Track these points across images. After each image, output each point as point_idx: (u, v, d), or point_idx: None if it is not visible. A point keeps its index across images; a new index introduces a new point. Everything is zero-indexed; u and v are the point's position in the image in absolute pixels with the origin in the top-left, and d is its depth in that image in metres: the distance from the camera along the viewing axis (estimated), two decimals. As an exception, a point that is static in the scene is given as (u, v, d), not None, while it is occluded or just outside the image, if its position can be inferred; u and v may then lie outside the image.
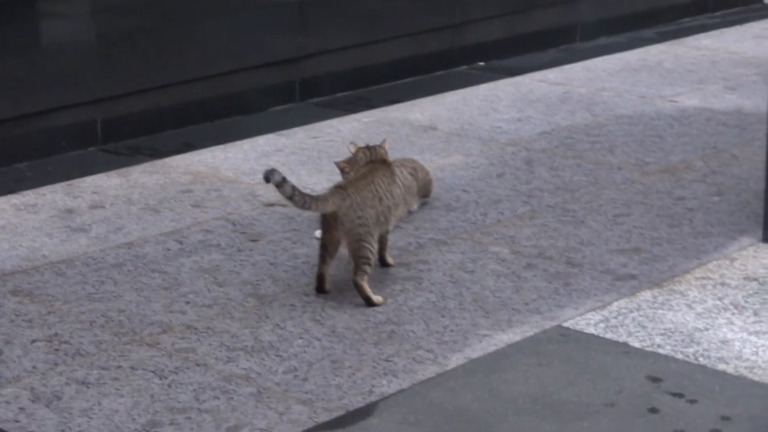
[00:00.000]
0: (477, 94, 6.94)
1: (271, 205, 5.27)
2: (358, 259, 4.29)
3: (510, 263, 4.62)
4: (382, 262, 4.59)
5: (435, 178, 5.30)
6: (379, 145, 4.75)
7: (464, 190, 5.39)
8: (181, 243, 4.87)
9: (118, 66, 6.16)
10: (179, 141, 6.18)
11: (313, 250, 4.73)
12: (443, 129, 6.29)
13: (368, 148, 4.73)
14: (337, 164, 4.88)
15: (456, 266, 4.60)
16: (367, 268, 4.29)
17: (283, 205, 5.24)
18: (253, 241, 4.88)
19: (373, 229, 4.31)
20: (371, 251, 4.30)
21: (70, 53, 6.02)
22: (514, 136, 6.16)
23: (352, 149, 4.82)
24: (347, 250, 4.31)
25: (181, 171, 5.72)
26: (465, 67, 7.55)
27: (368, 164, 4.57)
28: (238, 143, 6.12)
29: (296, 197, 4.18)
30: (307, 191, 4.37)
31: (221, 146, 6.07)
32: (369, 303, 4.29)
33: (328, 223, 4.31)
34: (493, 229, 4.96)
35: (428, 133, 6.22)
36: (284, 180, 4.16)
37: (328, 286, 4.38)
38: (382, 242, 4.54)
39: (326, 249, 4.35)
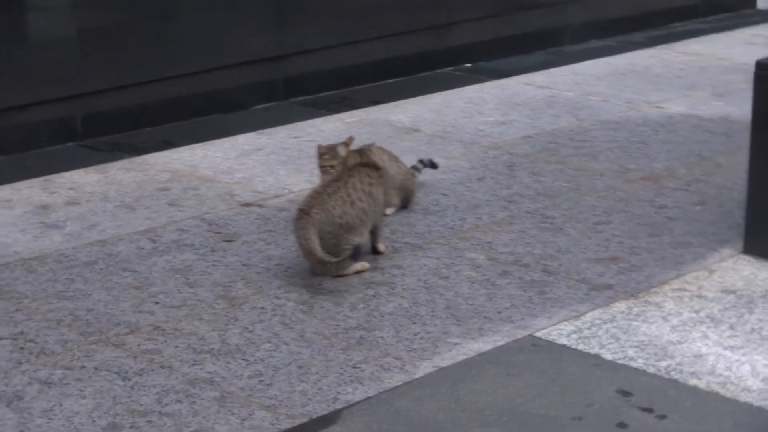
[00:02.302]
0: (461, 96, 6.90)
1: (248, 205, 5.22)
2: (337, 256, 4.44)
3: (485, 270, 4.57)
4: (374, 250, 4.65)
5: (415, 181, 5.26)
6: (369, 148, 4.68)
7: (444, 194, 5.34)
8: (154, 242, 4.81)
9: (98, 62, 6.10)
10: (159, 138, 6.13)
11: (288, 251, 4.69)
12: (426, 131, 6.24)
13: (359, 151, 4.66)
14: (319, 148, 4.89)
15: (431, 272, 4.54)
16: (345, 261, 4.44)
17: (260, 205, 5.21)
18: (227, 241, 4.82)
19: (347, 233, 4.41)
20: (349, 249, 4.44)
21: (49, 48, 5.96)
22: (497, 139, 6.11)
23: (343, 152, 4.78)
24: None
25: (159, 168, 5.66)
26: (451, 68, 7.50)
27: (346, 170, 4.55)
28: (218, 141, 6.07)
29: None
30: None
31: (201, 144, 6.02)
32: (357, 273, 4.47)
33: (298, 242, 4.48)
34: (471, 234, 4.91)
35: (410, 135, 6.17)
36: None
37: None
38: (375, 232, 4.61)
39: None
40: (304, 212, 4.39)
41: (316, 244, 4.34)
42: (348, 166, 4.61)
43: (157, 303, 4.28)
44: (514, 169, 5.67)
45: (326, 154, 4.86)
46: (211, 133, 6.19)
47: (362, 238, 4.50)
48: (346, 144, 4.89)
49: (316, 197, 4.42)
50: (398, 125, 6.33)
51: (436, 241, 4.84)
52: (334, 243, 4.40)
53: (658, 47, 8.03)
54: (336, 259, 4.36)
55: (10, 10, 5.87)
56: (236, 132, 6.21)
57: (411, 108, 6.64)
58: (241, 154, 5.89)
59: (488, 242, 4.82)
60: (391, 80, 7.22)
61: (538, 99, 6.82)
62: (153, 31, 6.32)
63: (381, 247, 4.68)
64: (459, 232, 4.93)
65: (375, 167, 4.61)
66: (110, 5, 6.19)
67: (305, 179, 5.48)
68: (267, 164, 5.74)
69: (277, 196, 5.31)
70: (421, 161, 5.35)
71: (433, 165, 5.39)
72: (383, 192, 4.60)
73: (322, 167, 4.87)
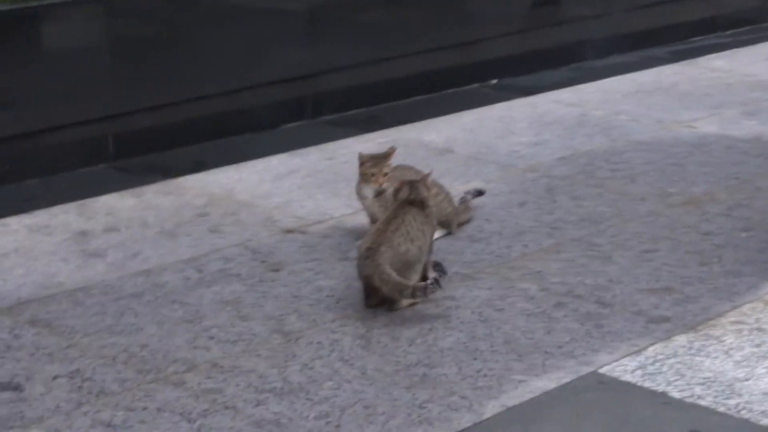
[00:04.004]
0: (492, 114, 6.85)
1: (291, 231, 5.16)
2: (396, 296, 4.39)
3: (539, 301, 4.52)
4: (423, 278, 4.58)
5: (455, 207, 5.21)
6: (422, 182, 4.61)
7: (486, 220, 5.30)
8: (200, 272, 4.76)
9: (129, 81, 6.05)
10: (191, 159, 6.07)
11: (338, 282, 4.64)
12: (460, 152, 6.20)
13: (411, 185, 4.59)
14: (360, 156, 4.93)
15: (484, 303, 4.50)
16: (401, 299, 4.39)
17: (302, 232, 5.16)
18: (274, 271, 4.77)
19: (408, 271, 4.37)
20: (409, 290, 4.37)
21: (79, 66, 5.89)
22: (532, 161, 6.07)
23: (391, 185, 4.74)
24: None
25: (195, 192, 5.61)
26: (477, 84, 7.46)
27: (400, 206, 4.49)
28: (251, 163, 6.01)
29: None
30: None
31: (234, 166, 5.97)
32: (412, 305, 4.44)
33: (366, 279, 4.39)
34: (519, 263, 4.86)
35: (445, 156, 6.13)
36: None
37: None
38: (425, 266, 4.55)
39: (369, 294, 4.43)
40: (372, 250, 4.33)
41: (394, 275, 4.30)
42: (398, 200, 4.55)
43: (211, 338, 4.23)
44: (554, 192, 5.63)
45: (368, 161, 4.90)
46: (242, 154, 6.14)
47: (418, 276, 4.46)
48: (388, 155, 4.90)
49: (381, 235, 4.37)
50: (431, 146, 6.28)
51: (485, 270, 4.79)
52: (399, 284, 4.34)
53: (682, 63, 7.99)
54: (415, 285, 4.34)
55: (26, 30, 5.80)
56: (268, 153, 6.15)
57: (442, 127, 6.60)
58: (276, 176, 5.84)
59: (538, 272, 4.78)
60: (418, 98, 7.17)
61: (568, 118, 6.78)
62: (181, 49, 6.25)
63: (431, 275, 4.63)
64: (507, 261, 4.88)
65: (422, 206, 4.54)
66: (145, 21, 6.11)
67: (344, 204, 5.43)
68: (304, 188, 5.68)
69: (319, 222, 5.26)
70: (468, 192, 5.29)
71: (479, 193, 5.35)
72: (432, 230, 4.56)
73: (363, 174, 4.90)
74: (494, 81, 7.54)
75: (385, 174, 4.90)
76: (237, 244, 5.02)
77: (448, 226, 5.11)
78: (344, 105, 6.89)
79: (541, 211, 5.41)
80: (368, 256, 4.32)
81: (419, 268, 4.47)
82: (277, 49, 6.60)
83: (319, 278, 4.69)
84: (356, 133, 6.49)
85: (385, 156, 4.94)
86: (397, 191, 4.61)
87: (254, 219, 5.29)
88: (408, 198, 4.53)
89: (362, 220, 5.12)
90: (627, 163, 6.04)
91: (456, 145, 6.31)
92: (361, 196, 4.98)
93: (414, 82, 7.19)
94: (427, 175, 4.66)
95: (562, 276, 4.74)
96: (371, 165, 4.90)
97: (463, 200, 5.27)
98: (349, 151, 6.19)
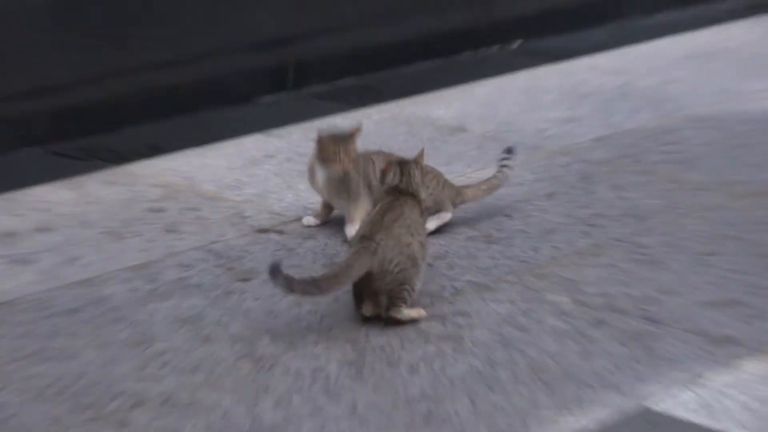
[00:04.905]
0: (514, 84, 6.90)
1: (265, 231, 5.11)
2: (395, 299, 4.35)
3: (573, 318, 4.43)
4: None
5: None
6: (415, 163, 4.53)
7: (507, 215, 5.25)
8: (152, 282, 4.68)
9: (69, 45, 6.01)
10: (145, 141, 6.06)
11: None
12: (475, 131, 6.18)
13: (401, 167, 4.50)
14: (319, 133, 4.98)
15: (504, 321, 4.41)
16: (402, 303, 4.34)
17: (279, 231, 5.10)
18: (243, 280, 4.69)
19: (412, 268, 4.32)
20: (411, 291, 4.35)
21: (8, 29, 5.85)
22: (564, 141, 6.06)
23: (380, 164, 4.72)
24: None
25: (148, 182, 5.57)
26: (498, 47, 7.48)
27: (392, 194, 4.45)
28: (219, 146, 6.01)
29: (312, 288, 4.23)
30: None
31: (198, 149, 5.96)
32: (413, 321, 4.39)
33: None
34: (548, 269, 4.79)
35: (456, 137, 6.12)
36: (290, 282, 4.20)
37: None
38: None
39: (362, 296, 4.37)
40: (366, 238, 4.27)
41: (360, 266, 4.25)
42: (386, 185, 4.49)
43: (164, 365, 4.12)
44: (590, 181, 5.62)
45: (329, 142, 4.95)
46: (209, 134, 6.13)
47: (422, 276, 4.40)
48: (352, 135, 4.96)
49: (377, 223, 4.32)
50: (440, 123, 6.29)
51: (505, 278, 4.72)
52: (400, 279, 4.27)
53: (749, 20, 8.07)
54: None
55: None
56: (240, 133, 6.15)
57: (453, 100, 6.62)
58: (249, 162, 5.81)
59: (571, 280, 4.71)
60: (423, 64, 7.19)
61: (608, 88, 6.81)
62: (131, 8, 6.21)
63: None
64: (533, 267, 4.81)
65: (414, 195, 4.50)
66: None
67: (332, 196, 5.36)
68: (282, 176, 5.65)
69: (299, 220, 5.21)
70: (508, 150, 5.22)
71: (509, 151, 5.26)
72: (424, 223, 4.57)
73: (322, 155, 4.95)
74: (517, 43, 7.54)
75: (351, 156, 4.93)
76: (198, 247, 4.96)
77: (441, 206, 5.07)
78: (333, 74, 6.89)
79: (575, 204, 5.38)
80: (364, 245, 4.25)
81: (423, 267, 4.42)
82: (252, 7, 6.56)
83: (299, 290, 4.61)
84: (347, 108, 6.49)
85: (349, 136, 4.97)
86: (384, 173, 4.54)
87: (220, 215, 5.25)
88: (397, 187, 4.47)
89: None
90: (681, 145, 6.03)
91: (470, 122, 6.30)
92: (312, 180, 5.05)
93: (419, 45, 7.20)
94: (421, 155, 4.61)
95: (601, 286, 4.67)
96: (333, 144, 4.94)
97: (495, 176, 5.20)
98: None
